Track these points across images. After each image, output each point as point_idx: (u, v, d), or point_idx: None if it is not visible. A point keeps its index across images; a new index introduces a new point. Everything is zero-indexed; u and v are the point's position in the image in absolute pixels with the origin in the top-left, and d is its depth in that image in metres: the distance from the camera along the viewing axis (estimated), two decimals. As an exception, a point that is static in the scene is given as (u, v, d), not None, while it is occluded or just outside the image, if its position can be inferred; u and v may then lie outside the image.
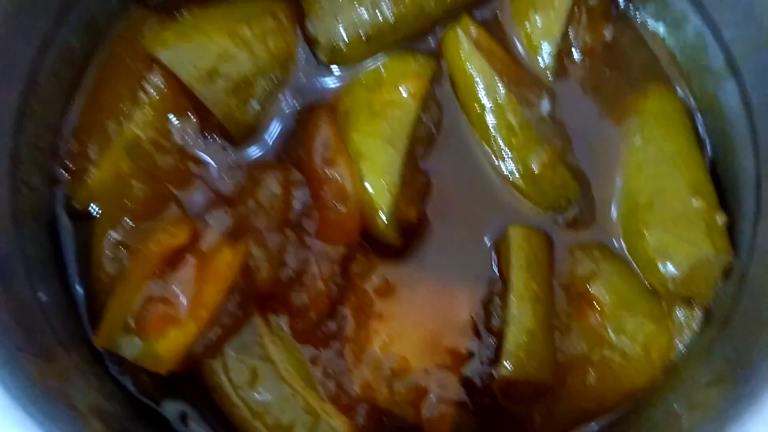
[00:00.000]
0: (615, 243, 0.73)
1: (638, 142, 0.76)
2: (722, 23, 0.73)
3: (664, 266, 0.69)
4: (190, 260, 0.67)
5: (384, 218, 0.70)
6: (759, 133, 0.68)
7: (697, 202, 0.71)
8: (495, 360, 0.67)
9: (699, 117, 0.78)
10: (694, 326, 0.69)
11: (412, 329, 0.69)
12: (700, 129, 0.78)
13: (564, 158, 0.75)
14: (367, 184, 0.71)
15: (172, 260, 0.67)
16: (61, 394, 0.57)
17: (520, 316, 0.66)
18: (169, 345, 0.64)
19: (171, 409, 0.67)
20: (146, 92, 0.73)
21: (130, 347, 0.64)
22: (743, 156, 0.71)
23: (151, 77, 0.73)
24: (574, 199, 0.74)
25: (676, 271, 0.68)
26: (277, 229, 0.70)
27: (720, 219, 0.70)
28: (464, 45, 0.76)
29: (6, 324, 0.57)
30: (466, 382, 0.68)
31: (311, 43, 0.78)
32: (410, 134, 0.73)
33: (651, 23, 0.81)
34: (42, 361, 0.58)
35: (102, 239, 0.68)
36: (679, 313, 0.70)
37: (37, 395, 0.54)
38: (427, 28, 0.80)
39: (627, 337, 0.68)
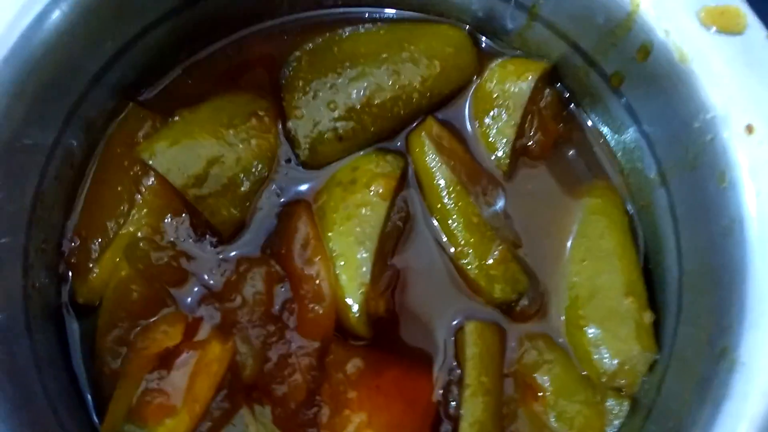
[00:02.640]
0: (558, 334, 0.82)
1: (581, 238, 0.84)
2: (656, 140, 0.82)
3: (598, 359, 0.78)
4: (184, 355, 0.75)
5: (356, 314, 0.78)
6: (682, 243, 0.77)
7: (628, 301, 0.80)
8: (451, 445, 0.76)
9: (636, 215, 0.88)
10: (622, 413, 0.78)
11: (380, 414, 0.77)
12: (637, 226, 0.87)
13: (515, 253, 0.83)
14: (341, 282, 0.79)
15: (168, 355, 0.75)
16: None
17: (472, 410, 0.74)
18: (165, 432, 0.73)
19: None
20: (142, 194, 0.81)
21: None
22: (669, 260, 0.80)
23: (146, 180, 0.81)
24: (523, 291, 0.82)
25: (607, 365, 0.78)
26: (260, 323, 0.78)
27: (647, 318, 0.79)
28: (427, 148, 0.84)
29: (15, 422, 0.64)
30: None
31: (291, 141, 0.85)
32: (380, 234, 0.80)
33: (598, 125, 0.90)
34: None
35: (104, 337, 0.76)
36: (610, 402, 0.79)
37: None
38: (397, 128, 0.88)
39: (566, 424, 0.77)
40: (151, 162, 0.79)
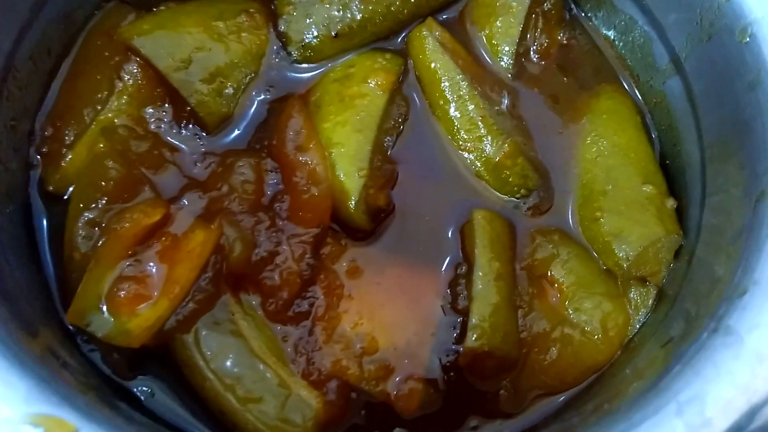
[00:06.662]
0: (573, 229, 0.76)
1: (592, 137, 0.80)
2: (666, 25, 0.79)
3: (619, 248, 0.73)
4: (164, 240, 0.68)
5: (354, 202, 0.72)
6: (702, 120, 0.74)
7: (647, 189, 0.75)
8: (461, 337, 0.69)
9: (647, 114, 0.84)
10: (648, 303, 0.72)
11: (381, 310, 0.70)
12: (649, 125, 0.83)
13: (524, 151, 0.78)
14: (338, 170, 0.73)
15: (146, 240, 0.67)
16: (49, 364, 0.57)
17: (485, 291, 0.68)
18: (140, 322, 0.64)
19: (141, 386, 0.67)
20: (123, 81, 0.75)
21: (101, 325, 0.64)
22: (689, 145, 0.76)
23: (128, 66, 0.75)
24: (534, 188, 0.77)
25: (629, 252, 0.72)
26: (250, 212, 0.71)
27: (669, 203, 0.74)
28: (429, 43, 0.80)
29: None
30: (434, 360, 0.69)
31: (283, 39, 0.81)
32: (379, 123, 0.76)
33: (602, 28, 0.87)
34: (29, 335, 0.58)
35: (76, 218, 0.68)
36: (635, 293, 0.73)
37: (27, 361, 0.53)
38: (394, 30, 0.84)
39: (585, 315, 0.71)
40: (134, 42, 0.75)
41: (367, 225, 0.74)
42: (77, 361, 0.64)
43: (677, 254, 0.73)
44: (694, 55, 0.75)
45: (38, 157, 0.74)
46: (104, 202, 0.69)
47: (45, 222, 0.73)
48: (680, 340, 0.59)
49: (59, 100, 0.76)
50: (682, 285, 0.69)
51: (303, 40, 0.80)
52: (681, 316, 0.64)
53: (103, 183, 0.69)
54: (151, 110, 0.76)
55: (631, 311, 0.72)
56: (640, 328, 0.71)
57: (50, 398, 0.49)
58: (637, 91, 0.85)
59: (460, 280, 0.72)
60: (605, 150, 0.79)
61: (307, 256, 0.70)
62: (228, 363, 0.64)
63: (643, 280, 0.73)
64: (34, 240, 0.72)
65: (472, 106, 0.78)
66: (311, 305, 0.70)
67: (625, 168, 0.77)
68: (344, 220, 0.73)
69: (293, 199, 0.73)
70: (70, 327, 0.67)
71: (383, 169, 0.77)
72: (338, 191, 0.73)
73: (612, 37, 0.87)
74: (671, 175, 0.79)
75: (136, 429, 0.50)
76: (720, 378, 0.51)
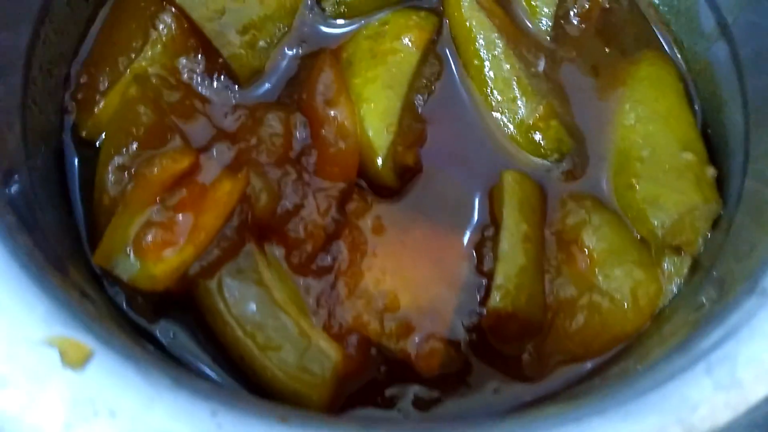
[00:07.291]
0: (606, 196, 0.74)
1: (631, 103, 0.78)
2: (715, -13, 0.76)
3: (654, 215, 0.70)
4: (192, 188, 0.68)
5: (381, 159, 0.71)
6: (748, 85, 0.71)
7: (687, 156, 0.73)
8: (485, 299, 0.68)
9: (690, 81, 0.81)
10: (683, 273, 0.70)
11: (404, 269, 0.70)
12: (692, 93, 0.81)
13: (559, 114, 0.77)
14: (366, 126, 0.72)
15: (174, 187, 0.68)
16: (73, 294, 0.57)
17: (511, 252, 0.67)
18: (165, 267, 0.65)
19: (164, 329, 0.68)
20: (157, 30, 0.75)
21: (127, 268, 0.65)
22: (732, 111, 0.74)
23: (163, 16, 0.76)
24: (567, 153, 0.76)
25: (665, 220, 0.70)
26: (277, 164, 0.71)
27: (709, 171, 0.72)
28: (465, 1, 0.79)
29: (27, 243, 0.57)
30: (456, 321, 0.68)
31: (318, -6, 0.80)
32: (410, 81, 0.75)
33: (646, -8, 0.84)
34: (58, 272, 0.58)
35: (106, 163, 0.68)
36: (668, 262, 0.71)
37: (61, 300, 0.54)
38: (430, -14, 0.83)
39: (615, 283, 0.69)
40: (168, -9, 0.74)
41: (394, 183, 0.73)
42: (103, 301, 0.65)
43: (715, 224, 0.71)
44: (742, 19, 0.72)
45: (73, 103, 0.75)
46: (135, 147, 0.69)
47: (77, 166, 0.73)
48: (713, 304, 0.57)
49: (95, 48, 0.77)
50: (719, 254, 0.67)
51: (338, -6, 0.80)
52: (715, 284, 0.62)
53: (134, 128, 0.69)
54: (184, 61, 0.76)
55: (663, 281, 0.70)
56: (672, 299, 0.69)
57: (69, 322, 0.49)
58: (680, 58, 0.82)
59: (487, 242, 0.71)
60: (644, 116, 0.77)
61: (332, 210, 0.70)
62: (249, 310, 0.64)
63: (677, 250, 0.71)
64: (65, 183, 0.72)
65: (507, 66, 0.77)
66: (335, 260, 0.69)
67: (664, 135, 0.75)
68: (371, 177, 0.73)
69: (320, 153, 0.72)
70: (97, 269, 0.68)
71: (413, 128, 0.76)
72: (366, 147, 0.72)
73: (656, 1, 0.84)
74: (712, 143, 0.76)
75: (154, 362, 0.50)
76: (754, 339, 0.49)
